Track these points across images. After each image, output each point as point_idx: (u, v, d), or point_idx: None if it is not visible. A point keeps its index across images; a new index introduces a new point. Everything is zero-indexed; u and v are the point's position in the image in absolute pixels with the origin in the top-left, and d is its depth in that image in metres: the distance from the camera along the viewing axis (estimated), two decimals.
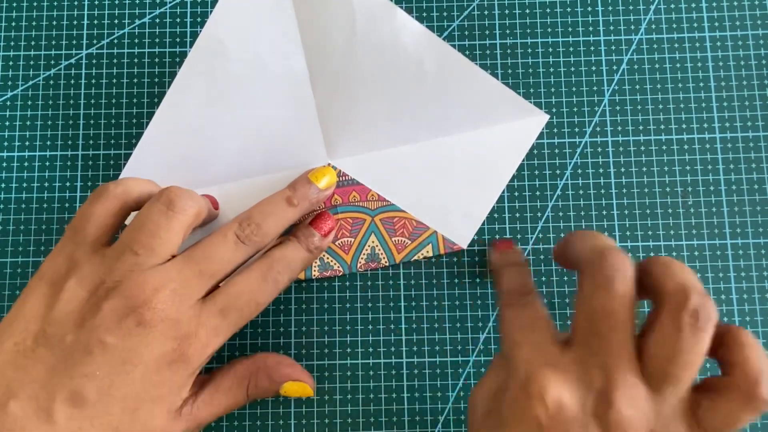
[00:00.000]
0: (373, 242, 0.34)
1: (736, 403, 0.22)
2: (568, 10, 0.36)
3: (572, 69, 0.35)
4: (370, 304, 0.34)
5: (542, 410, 0.22)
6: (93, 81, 0.35)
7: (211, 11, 0.36)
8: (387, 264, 0.33)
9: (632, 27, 0.36)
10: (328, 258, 0.33)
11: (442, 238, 0.34)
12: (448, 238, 0.34)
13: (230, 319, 0.27)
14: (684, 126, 0.35)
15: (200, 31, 0.36)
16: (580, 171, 0.34)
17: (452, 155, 0.34)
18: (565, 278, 0.34)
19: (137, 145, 0.33)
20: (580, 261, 0.25)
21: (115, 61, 0.35)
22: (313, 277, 0.33)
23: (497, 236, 0.34)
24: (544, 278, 0.34)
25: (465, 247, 0.34)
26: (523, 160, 0.34)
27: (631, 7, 0.36)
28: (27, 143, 0.35)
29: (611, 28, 0.36)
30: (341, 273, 0.33)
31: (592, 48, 0.36)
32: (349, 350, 0.33)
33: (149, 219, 0.27)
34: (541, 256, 0.34)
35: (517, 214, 0.34)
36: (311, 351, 0.33)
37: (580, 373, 0.23)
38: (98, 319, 0.25)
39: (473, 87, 0.33)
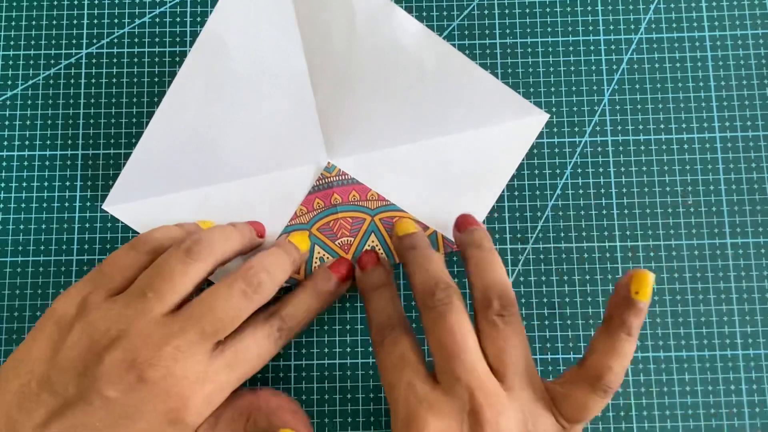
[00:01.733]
0: (373, 242, 0.34)
1: (584, 391, 0.26)
2: (568, 9, 0.36)
3: (572, 69, 0.35)
4: None
5: None
6: (93, 80, 0.35)
7: (211, 11, 0.36)
8: None
9: (632, 26, 0.36)
10: (328, 258, 0.33)
11: (442, 237, 0.34)
12: (447, 237, 0.34)
13: (237, 374, 0.27)
14: (684, 126, 0.35)
15: (200, 30, 0.36)
16: (580, 171, 0.34)
17: (452, 155, 0.34)
18: (565, 278, 0.34)
19: (138, 144, 0.33)
20: (415, 293, 0.29)
21: (114, 60, 0.35)
22: None
23: (496, 235, 0.34)
24: (544, 278, 0.34)
25: None
26: (523, 160, 0.34)
27: (630, 7, 0.36)
28: (27, 143, 0.35)
29: (611, 27, 0.36)
30: None
31: (592, 48, 0.35)
32: (348, 350, 0.33)
33: (166, 264, 0.27)
34: (541, 256, 0.34)
35: (517, 214, 0.34)
36: (311, 350, 0.33)
37: (450, 402, 0.25)
38: (100, 370, 0.25)
39: (473, 86, 0.33)
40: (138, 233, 0.34)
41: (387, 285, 0.31)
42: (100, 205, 0.34)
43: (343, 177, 0.34)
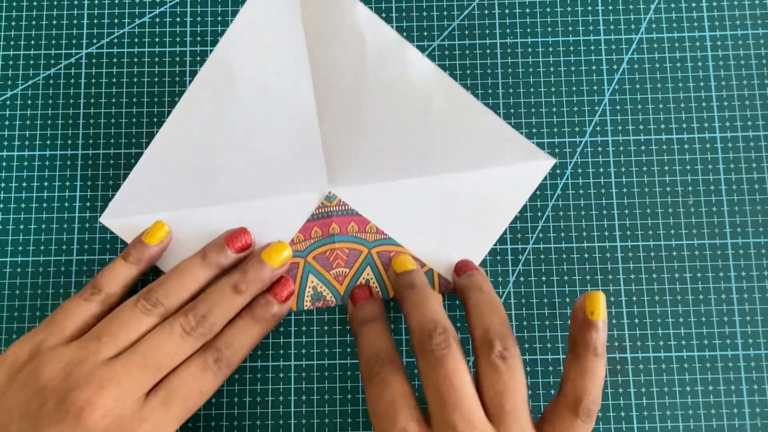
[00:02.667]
0: (368, 274, 0.33)
1: (568, 419, 0.27)
2: (568, 9, 0.36)
3: (572, 69, 0.35)
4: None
5: None
6: (93, 81, 0.35)
7: (210, 11, 0.36)
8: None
9: (632, 26, 0.36)
10: (321, 288, 0.33)
11: (437, 275, 0.33)
12: (443, 276, 0.33)
13: (173, 410, 0.27)
14: (684, 126, 0.35)
15: (200, 30, 0.36)
16: (580, 171, 0.34)
17: (454, 193, 0.34)
18: (565, 278, 0.34)
19: (139, 159, 0.33)
20: (411, 335, 0.28)
21: (114, 60, 0.35)
22: (305, 308, 0.33)
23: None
24: (544, 278, 0.34)
25: None
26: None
27: (631, 7, 0.36)
28: (27, 143, 0.35)
29: (611, 27, 0.36)
30: (333, 303, 0.33)
31: (592, 48, 0.35)
32: (349, 350, 0.33)
33: (124, 313, 0.28)
34: (542, 256, 0.34)
35: (518, 214, 0.34)
36: (311, 351, 0.33)
37: None
38: (42, 411, 0.26)
39: (481, 127, 0.33)
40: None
41: (378, 319, 0.31)
42: (100, 206, 0.34)
43: (343, 207, 0.34)
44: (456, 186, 0.34)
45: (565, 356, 0.33)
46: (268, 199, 0.33)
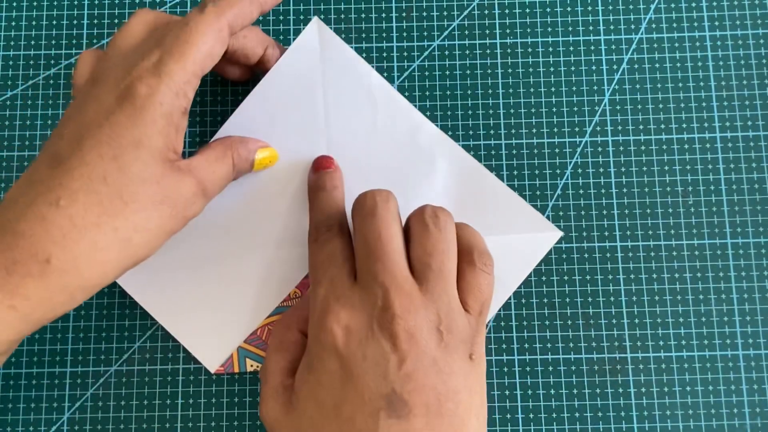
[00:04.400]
0: None
1: (471, 272, 0.27)
2: (568, 9, 0.36)
3: (572, 69, 0.35)
4: None
5: (334, 338, 0.25)
6: None
7: None
8: None
9: (632, 26, 0.36)
10: None
11: None
12: None
13: (174, 56, 0.26)
14: (684, 125, 0.35)
15: None
16: (580, 171, 0.34)
17: None
18: (566, 278, 0.34)
19: None
20: (354, 201, 0.29)
21: None
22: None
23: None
24: (544, 278, 0.34)
25: None
26: (523, 160, 0.34)
27: (631, 7, 0.36)
28: (27, 143, 0.35)
29: (611, 27, 0.36)
30: None
31: (592, 47, 0.36)
32: None
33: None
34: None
35: None
36: None
37: (364, 298, 0.26)
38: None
39: (486, 193, 0.33)
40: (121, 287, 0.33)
41: (336, 188, 0.31)
42: None
43: None
44: None
45: (564, 356, 0.33)
46: (266, 251, 0.33)
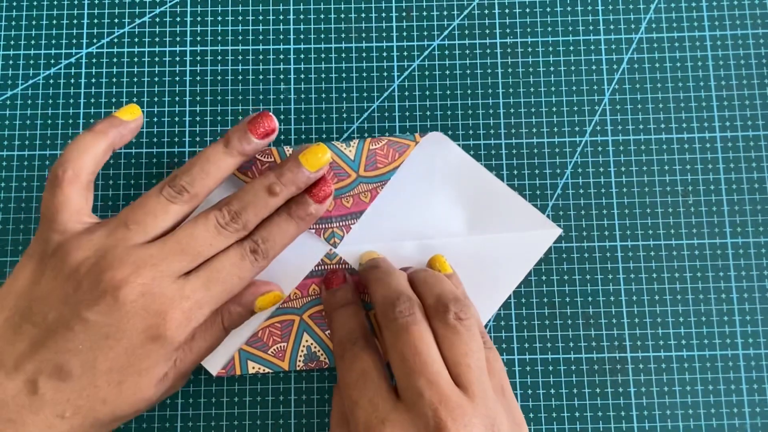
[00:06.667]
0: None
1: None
2: (568, 9, 0.36)
3: (572, 69, 0.35)
4: None
5: None
6: (93, 80, 0.35)
7: (210, 10, 0.36)
8: None
9: (632, 26, 0.36)
10: (315, 348, 0.32)
11: None
12: None
13: (213, 291, 0.27)
14: (684, 125, 0.35)
15: (200, 30, 0.36)
16: (580, 170, 0.34)
17: (459, 257, 0.33)
18: (566, 277, 0.34)
19: None
20: (376, 309, 0.28)
21: (114, 60, 0.35)
22: (297, 369, 0.32)
23: None
24: (544, 278, 0.34)
25: None
26: (523, 160, 0.34)
27: (631, 6, 0.36)
28: (27, 142, 0.35)
29: (611, 27, 0.36)
30: (327, 366, 0.32)
31: (592, 47, 0.36)
32: None
33: (149, 200, 0.28)
34: (542, 256, 0.34)
35: None
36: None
37: (415, 420, 0.25)
38: (78, 295, 0.26)
39: (486, 192, 0.33)
40: None
41: (352, 303, 0.31)
42: (100, 205, 0.34)
43: (343, 266, 0.33)
44: (461, 249, 0.33)
45: (564, 356, 0.33)
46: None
